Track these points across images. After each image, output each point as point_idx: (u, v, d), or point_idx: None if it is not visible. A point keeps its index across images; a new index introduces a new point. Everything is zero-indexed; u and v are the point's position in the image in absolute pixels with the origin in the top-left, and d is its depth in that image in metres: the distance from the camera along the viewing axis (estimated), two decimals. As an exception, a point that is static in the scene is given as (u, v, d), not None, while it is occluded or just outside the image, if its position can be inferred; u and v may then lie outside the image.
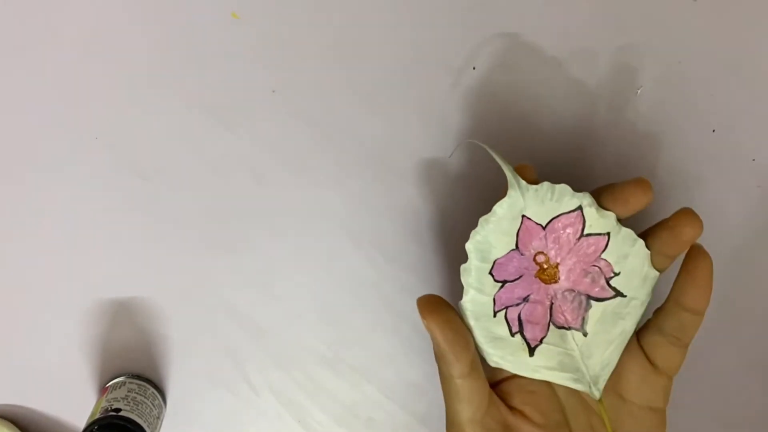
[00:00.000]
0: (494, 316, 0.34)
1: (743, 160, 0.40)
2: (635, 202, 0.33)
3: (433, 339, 0.33)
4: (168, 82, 0.38)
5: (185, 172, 0.39)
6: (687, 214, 0.33)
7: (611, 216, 0.33)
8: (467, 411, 0.33)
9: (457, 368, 0.33)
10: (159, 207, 0.39)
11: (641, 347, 0.34)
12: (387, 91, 0.38)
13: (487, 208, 0.38)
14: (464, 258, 0.40)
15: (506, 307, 0.34)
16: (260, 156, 0.39)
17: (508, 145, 0.39)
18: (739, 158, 0.39)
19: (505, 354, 0.34)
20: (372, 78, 0.38)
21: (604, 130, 0.39)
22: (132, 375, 0.41)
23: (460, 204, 0.40)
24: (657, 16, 0.38)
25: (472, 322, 0.34)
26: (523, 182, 0.33)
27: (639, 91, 0.38)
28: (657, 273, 0.33)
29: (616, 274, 0.34)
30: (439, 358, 0.33)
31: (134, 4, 0.37)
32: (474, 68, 0.38)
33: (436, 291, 0.41)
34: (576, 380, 0.34)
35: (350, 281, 0.41)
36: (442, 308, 0.33)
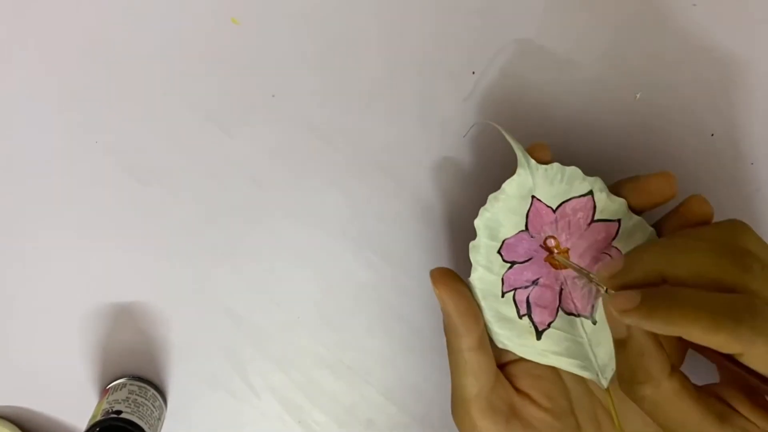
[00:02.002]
0: (502, 296, 0.34)
1: (742, 163, 0.39)
2: (659, 195, 0.33)
3: (444, 310, 0.33)
4: (168, 87, 0.38)
5: (185, 176, 0.39)
6: (698, 200, 0.32)
7: (622, 202, 0.33)
8: (474, 386, 0.33)
9: (467, 340, 0.33)
10: (159, 211, 0.39)
11: None
12: (386, 95, 0.38)
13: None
14: (463, 261, 0.40)
15: (515, 289, 0.34)
16: (260, 160, 0.39)
17: (507, 148, 0.39)
18: (738, 162, 0.39)
19: (512, 335, 0.34)
20: (371, 82, 0.38)
21: (603, 135, 0.39)
22: (133, 377, 0.41)
23: (459, 207, 0.40)
24: (656, 20, 0.38)
25: (480, 301, 0.34)
26: (533, 161, 0.33)
27: (638, 96, 0.38)
28: None
29: None
30: (448, 330, 0.33)
31: (135, 9, 0.37)
32: (473, 72, 0.38)
33: (433, 292, 0.41)
34: (583, 367, 0.34)
35: (349, 284, 0.41)
36: (455, 280, 0.33)
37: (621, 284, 0.29)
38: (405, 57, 0.38)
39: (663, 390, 0.29)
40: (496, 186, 0.39)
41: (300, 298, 0.41)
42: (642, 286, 0.29)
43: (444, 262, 0.40)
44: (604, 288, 0.30)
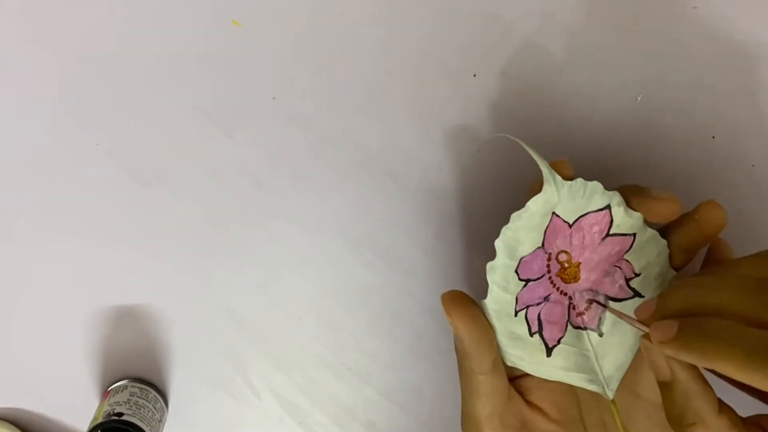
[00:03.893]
0: (515, 315, 0.33)
1: (743, 166, 0.40)
2: (663, 218, 0.32)
3: (457, 335, 0.32)
4: (169, 89, 0.38)
5: (186, 178, 0.39)
6: (712, 205, 0.32)
7: (639, 216, 0.32)
8: (486, 407, 0.33)
9: (481, 365, 0.32)
10: (159, 213, 0.39)
11: None
12: (387, 97, 0.38)
13: (485, 214, 0.38)
14: (462, 262, 0.40)
15: (527, 306, 0.34)
16: (260, 162, 0.39)
17: (507, 151, 0.39)
18: (738, 164, 0.39)
19: (522, 354, 0.34)
20: (372, 85, 0.38)
21: (604, 138, 0.39)
22: (134, 378, 0.41)
23: (458, 209, 0.40)
24: (657, 23, 0.38)
25: (494, 321, 0.33)
26: (559, 178, 0.32)
27: (639, 98, 0.38)
28: (675, 273, 0.33)
29: (637, 275, 0.33)
30: (461, 354, 0.33)
31: (135, 10, 0.37)
32: (474, 75, 0.38)
33: (434, 294, 0.41)
34: (590, 381, 0.34)
35: (350, 285, 0.41)
36: (467, 304, 0.33)
37: (658, 319, 0.29)
38: (406, 59, 0.38)
39: (714, 429, 0.29)
40: (498, 186, 0.39)
41: (301, 299, 0.41)
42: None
43: (445, 264, 0.40)
44: (646, 331, 0.29)
